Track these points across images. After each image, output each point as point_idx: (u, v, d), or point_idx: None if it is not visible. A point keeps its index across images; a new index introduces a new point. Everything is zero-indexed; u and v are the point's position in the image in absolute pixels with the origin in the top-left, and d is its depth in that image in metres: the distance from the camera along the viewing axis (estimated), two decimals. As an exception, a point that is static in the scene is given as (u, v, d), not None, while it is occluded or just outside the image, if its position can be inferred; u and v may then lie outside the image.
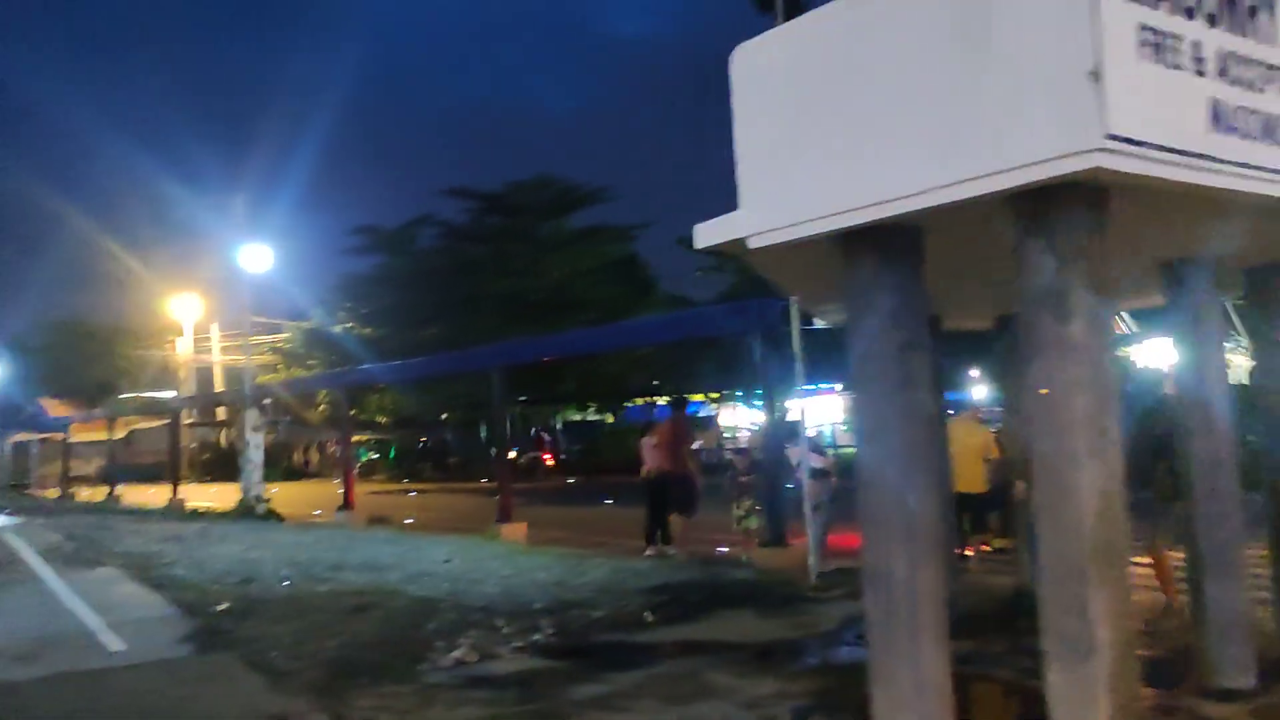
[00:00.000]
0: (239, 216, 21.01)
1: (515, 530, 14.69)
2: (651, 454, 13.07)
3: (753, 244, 4.84)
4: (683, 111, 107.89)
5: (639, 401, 43.67)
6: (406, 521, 20.42)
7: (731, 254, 5.48)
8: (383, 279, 41.51)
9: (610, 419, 47.66)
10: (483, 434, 45.17)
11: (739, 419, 40.56)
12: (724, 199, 5.07)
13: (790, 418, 12.14)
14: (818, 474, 11.41)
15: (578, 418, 48.25)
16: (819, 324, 9.06)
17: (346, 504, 18.97)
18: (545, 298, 37.97)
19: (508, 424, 15.20)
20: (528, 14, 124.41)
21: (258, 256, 20.52)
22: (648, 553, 13.10)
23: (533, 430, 41.13)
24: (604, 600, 8.79)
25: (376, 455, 44.19)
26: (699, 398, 42.58)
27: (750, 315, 10.57)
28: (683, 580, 9.80)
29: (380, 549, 12.11)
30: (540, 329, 26.92)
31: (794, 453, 11.24)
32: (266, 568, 10.45)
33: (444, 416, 44.38)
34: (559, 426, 43.47)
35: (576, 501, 24.73)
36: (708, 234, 5.19)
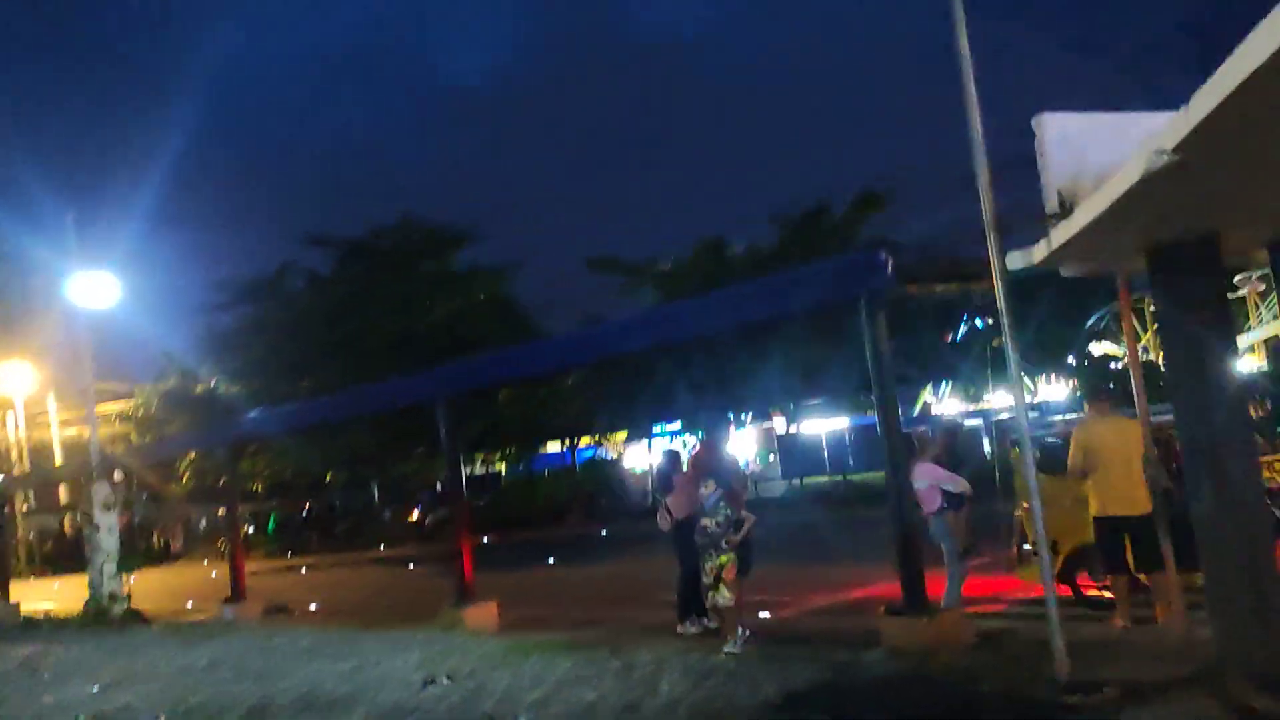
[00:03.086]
0: (73, 244, 16.59)
1: (483, 614, 10.89)
2: (680, 493, 9.57)
3: None
4: (526, 156, 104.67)
5: (548, 448, 40.10)
6: (311, 608, 16.30)
7: None
8: (250, 329, 37.22)
9: (502, 468, 43.91)
10: (374, 495, 40.71)
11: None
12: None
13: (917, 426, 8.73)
14: (954, 501, 8.18)
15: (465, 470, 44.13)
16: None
17: (236, 594, 14.71)
18: (431, 339, 34.53)
19: (459, 475, 11.42)
20: (370, 64, 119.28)
21: (98, 287, 16.16)
22: (685, 630, 9.58)
23: (436, 485, 36.90)
24: (732, 738, 5.27)
25: (252, 528, 38.91)
26: (612, 439, 39.37)
27: (856, 274, 7.27)
28: (812, 682, 6.36)
29: (314, 666, 8.17)
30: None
31: (921, 474, 7.97)
32: (141, 725, 6.46)
33: (327, 478, 39.81)
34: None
35: (511, 565, 20.80)
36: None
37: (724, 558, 8.25)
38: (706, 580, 8.35)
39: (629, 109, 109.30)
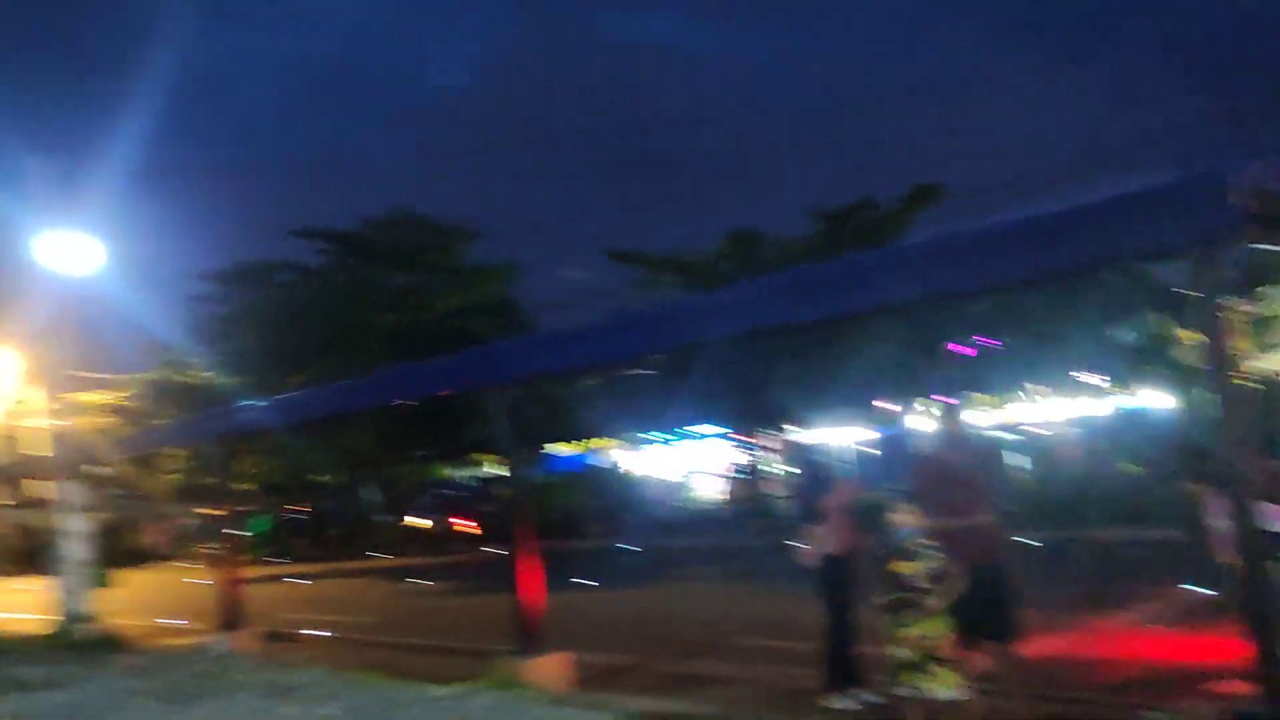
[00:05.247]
0: (39, 195, 14.06)
1: (549, 667, 8.45)
2: (836, 523, 7.13)
3: None
4: (512, 160, 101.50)
5: (565, 449, 37.66)
6: (316, 633, 13.91)
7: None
8: (241, 318, 35.05)
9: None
10: (368, 498, 38.24)
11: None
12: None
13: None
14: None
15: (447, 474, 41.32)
16: None
17: (230, 619, 12.21)
18: (431, 335, 32.27)
19: (523, 478, 9.04)
20: (356, 69, 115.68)
21: (76, 250, 13.70)
22: (838, 704, 7.18)
23: (444, 490, 34.48)
24: None
25: (239, 531, 36.26)
26: (632, 440, 36.85)
27: (1188, 208, 4.88)
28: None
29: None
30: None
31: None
32: None
33: (318, 480, 37.30)
34: (476, 484, 36.62)
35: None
36: None
37: (934, 624, 5.82)
38: (901, 655, 5.89)
39: (615, 112, 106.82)
